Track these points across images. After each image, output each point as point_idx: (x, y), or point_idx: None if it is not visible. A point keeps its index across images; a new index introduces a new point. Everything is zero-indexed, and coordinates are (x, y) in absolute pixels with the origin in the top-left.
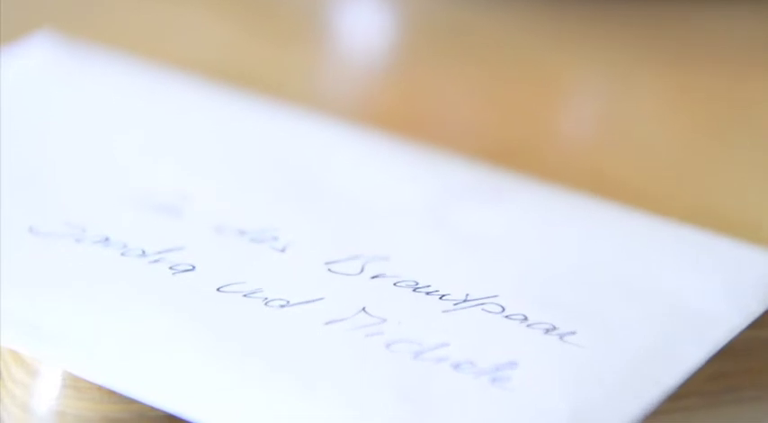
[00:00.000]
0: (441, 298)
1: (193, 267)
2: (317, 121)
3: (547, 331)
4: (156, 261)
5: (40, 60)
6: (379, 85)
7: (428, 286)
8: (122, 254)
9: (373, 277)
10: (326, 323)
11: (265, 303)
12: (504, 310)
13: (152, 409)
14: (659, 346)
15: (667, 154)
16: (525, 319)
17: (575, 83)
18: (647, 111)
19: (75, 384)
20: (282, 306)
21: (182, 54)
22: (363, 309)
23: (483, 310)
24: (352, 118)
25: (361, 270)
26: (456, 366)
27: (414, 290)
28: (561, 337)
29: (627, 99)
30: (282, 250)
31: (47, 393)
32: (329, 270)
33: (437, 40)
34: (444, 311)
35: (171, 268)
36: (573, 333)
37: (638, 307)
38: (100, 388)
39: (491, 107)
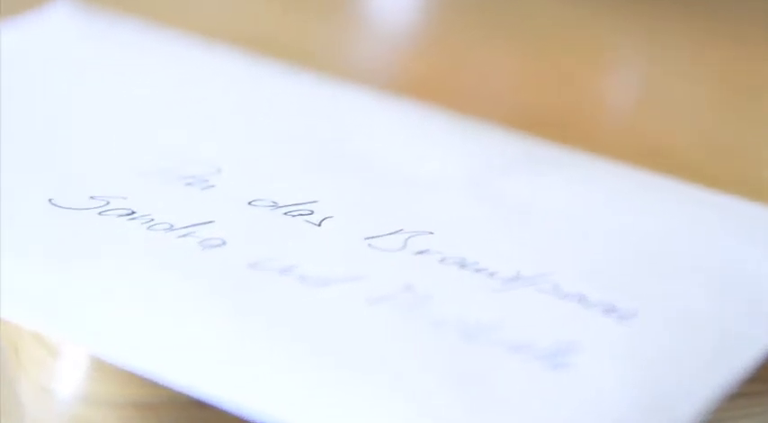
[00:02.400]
0: (490, 276)
1: (224, 242)
2: (353, 91)
3: (606, 312)
4: (184, 235)
5: (63, 29)
6: (413, 57)
7: (476, 263)
8: (149, 228)
9: (417, 253)
10: (369, 302)
11: (302, 281)
12: (558, 288)
13: (183, 393)
14: (728, 327)
15: (709, 124)
16: (582, 298)
17: (612, 54)
18: (688, 81)
19: (101, 366)
20: (320, 284)
21: (213, 26)
22: (408, 286)
23: (536, 289)
24: (388, 90)
25: (404, 245)
26: (510, 349)
27: (461, 267)
28: (622, 318)
29: (665, 71)
30: (319, 224)
31: (70, 376)
32: (369, 245)
33: (474, 10)
34: (495, 291)
35: (200, 243)
36: (635, 314)
37: (702, 285)
38: (127, 370)
39: (527, 78)
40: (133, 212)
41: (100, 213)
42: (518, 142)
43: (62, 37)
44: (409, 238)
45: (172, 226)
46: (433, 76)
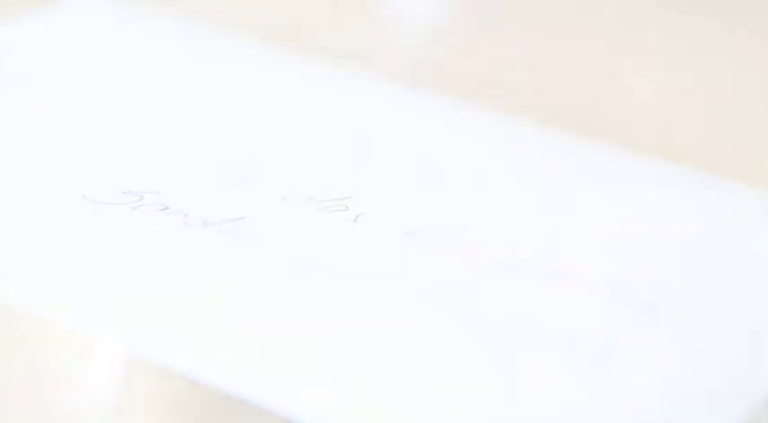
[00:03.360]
0: (529, 272)
1: (259, 238)
2: (384, 86)
3: (645, 311)
4: (219, 231)
5: (87, 21)
6: (439, 50)
7: (514, 259)
8: (183, 223)
9: (454, 249)
10: (407, 298)
11: (338, 277)
12: (595, 286)
13: (221, 390)
14: None
15: (742, 118)
16: (621, 296)
17: (640, 46)
18: (721, 76)
19: (135, 362)
20: (358, 280)
21: (238, 18)
22: (446, 282)
23: (575, 287)
24: (415, 84)
25: (441, 241)
26: (548, 348)
27: (501, 264)
28: (662, 317)
29: (696, 62)
30: (354, 220)
31: (103, 371)
32: (406, 241)
33: (500, 1)
34: (533, 288)
35: (235, 239)
36: (675, 314)
37: (743, 285)
38: (162, 366)
39: (554, 71)
40: (167, 208)
41: (134, 208)
42: (551, 136)
43: (87, 28)
44: (446, 234)
45: (206, 221)
46: (459, 69)
